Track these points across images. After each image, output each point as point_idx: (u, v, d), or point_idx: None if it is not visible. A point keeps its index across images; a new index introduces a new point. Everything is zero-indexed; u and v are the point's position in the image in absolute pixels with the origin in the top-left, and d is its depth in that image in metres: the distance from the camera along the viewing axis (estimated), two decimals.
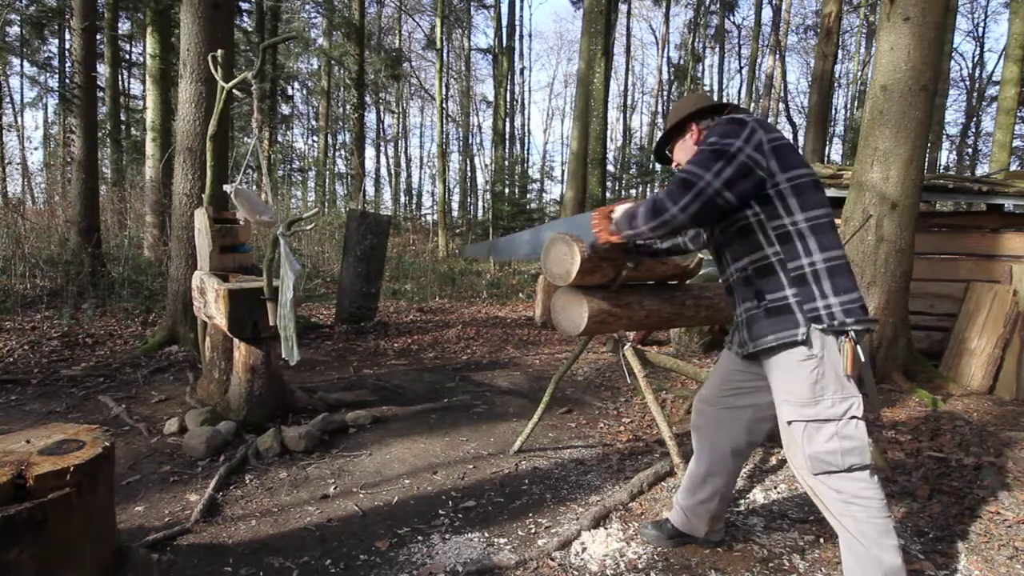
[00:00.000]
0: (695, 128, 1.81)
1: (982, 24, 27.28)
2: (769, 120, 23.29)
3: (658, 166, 25.08)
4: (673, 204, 1.54)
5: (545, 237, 1.99)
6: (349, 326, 6.54)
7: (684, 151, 1.85)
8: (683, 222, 1.57)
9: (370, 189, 27.19)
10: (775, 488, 2.69)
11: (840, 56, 21.24)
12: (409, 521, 2.33)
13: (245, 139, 15.17)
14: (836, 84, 21.77)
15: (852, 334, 1.51)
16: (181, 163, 4.77)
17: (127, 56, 14.90)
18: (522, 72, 27.63)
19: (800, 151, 1.69)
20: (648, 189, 24.40)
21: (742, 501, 2.56)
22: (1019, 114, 12.92)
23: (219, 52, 3.62)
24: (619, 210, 1.75)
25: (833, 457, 1.53)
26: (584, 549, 2.13)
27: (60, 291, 6.67)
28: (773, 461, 2.99)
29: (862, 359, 1.52)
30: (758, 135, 1.54)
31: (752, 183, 1.55)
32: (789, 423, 1.60)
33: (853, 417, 1.53)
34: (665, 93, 28.66)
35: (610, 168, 19.35)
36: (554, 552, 2.09)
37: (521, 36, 26.97)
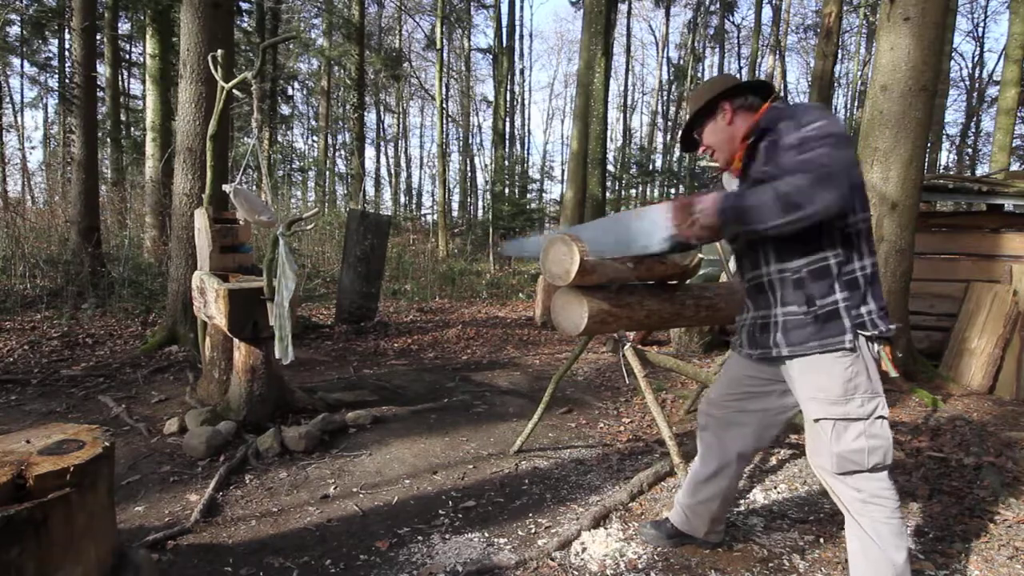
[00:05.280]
0: (728, 108, 1.68)
1: (982, 24, 27.30)
2: None
3: (658, 165, 25.07)
4: (813, 198, 1.34)
5: (588, 236, 1.85)
6: (349, 326, 6.54)
7: (716, 133, 1.72)
8: (824, 218, 1.39)
9: (370, 189, 27.20)
10: (775, 488, 2.69)
11: (840, 56, 21.23)
12: (409, 521, 2.33)
13: (245, 139, 15.17)
14: (836, 84, 21.76)
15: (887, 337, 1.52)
16: (181, 163, 4.77)
17: (127, 56, 14.89)
18: (522, 72, 27.63)
19: None
20: (648, 189, 24.40)
21: (742, 501, 2.56)
22: (1019, 114, 12.91)
23: (219, 52, 3.62)
24: (708, 202, 1.46)
25: (859, 456, 1.52)
26: (584, 549, 2.13)
27: (60, 291, 6.67)
28: (773, 461, 2.99)
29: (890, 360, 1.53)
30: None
31: None
32: (817, 420, 1.57)
33: (880, 417, 1.53)
34: (665, 93, 28.67)
35: (610, 168, 19.33)
36: (554, 552, 2.09)
37: (521, 36, 27.00)
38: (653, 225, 1.58)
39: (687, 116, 1.79)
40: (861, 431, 1.52)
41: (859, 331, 1.51)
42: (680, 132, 1.84)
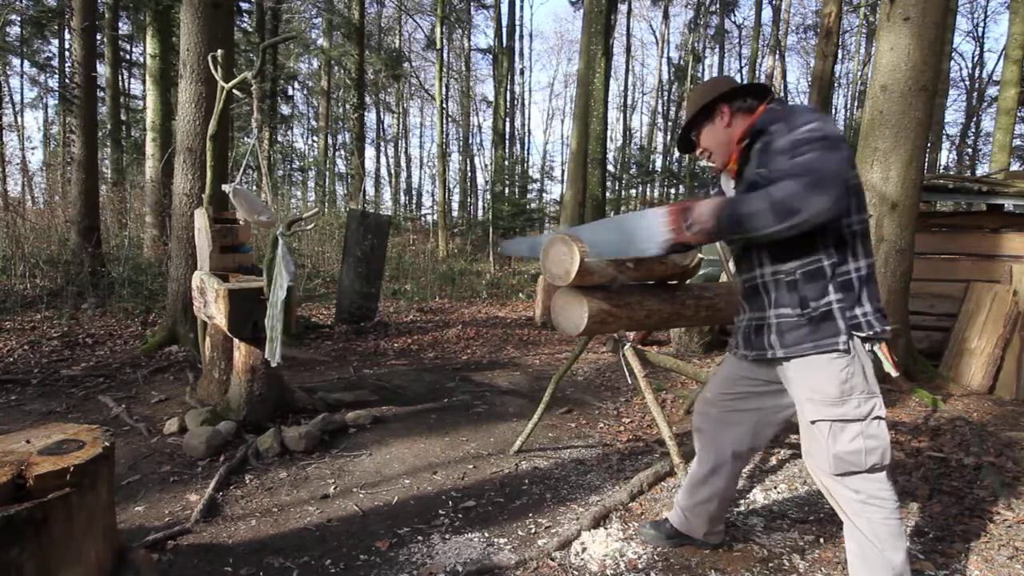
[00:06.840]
0: (727, 111, 1.68)
1: (982, 24, 27.30)
2: None
3: (658, 166, 25.06)
4: (807, 203, 1.33)
5: (587, 236, 1.84)
6: (349, 326, 6.54)
7: (714, 136, 1.71)
8: (818, 223, 1.37)
9: (370, 189, 27.20)
10: (775, 488, 2.69)
11: (840, 56, 21.25)
12: (409, 521, 2.33)
13: (245, 139, 15.17)
14: (836, 84, 21.77)
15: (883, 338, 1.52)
16: (181, 163, 4.77)
17: (127, 56, 14.89)
18: (522, 72, 27.62)
19: None
20: (648, 189, 24.40)
21: (742, 501, 2.56)
22: (1019, 114, 12.91)
23: (219, 52, 3.62)
24: (705, 208, 1.46)
25: (857, 457, 1.51)
26: (584, 549, 2.13)
27: (60, 291, 6.67)
28: (773, 461, 2.99)
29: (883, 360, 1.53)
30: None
31: None
32: (813, 422, 1.57)
33: (877, 417, 1.52)
34: (665, 93, 28.66)
35: (610, 168, 19.33)
36: (554, 552, 2.09)
37: (521, 36, 26.99)
38: (651, 228, 1.59)
39: (685, 117, 1.79)
40: (858, 432, 1.51)
41: (854, 332, 1.50)
42: (679, 133, 1.84)
